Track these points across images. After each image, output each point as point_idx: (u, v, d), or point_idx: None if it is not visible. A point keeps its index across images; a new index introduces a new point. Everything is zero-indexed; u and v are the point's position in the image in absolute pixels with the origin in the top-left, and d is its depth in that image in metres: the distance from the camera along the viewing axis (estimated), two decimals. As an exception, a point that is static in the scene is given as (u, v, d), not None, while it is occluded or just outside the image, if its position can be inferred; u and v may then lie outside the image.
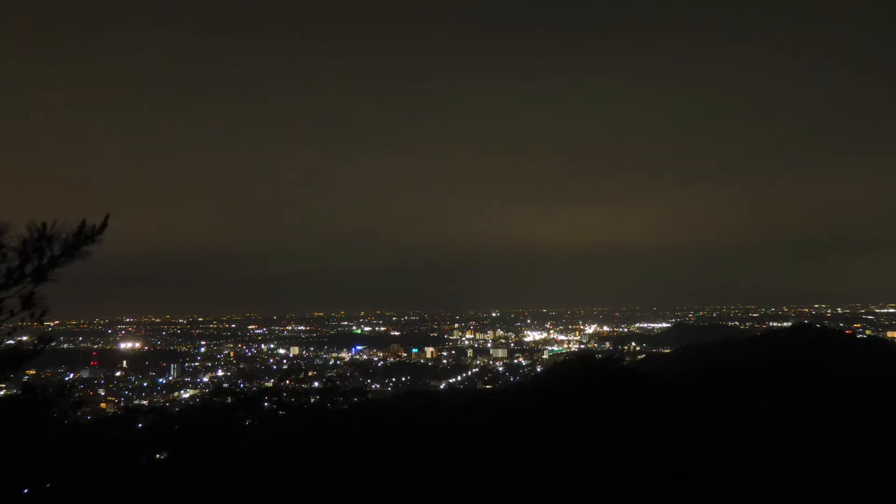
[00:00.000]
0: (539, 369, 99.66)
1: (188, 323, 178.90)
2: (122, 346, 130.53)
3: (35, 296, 5.14)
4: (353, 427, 22.50)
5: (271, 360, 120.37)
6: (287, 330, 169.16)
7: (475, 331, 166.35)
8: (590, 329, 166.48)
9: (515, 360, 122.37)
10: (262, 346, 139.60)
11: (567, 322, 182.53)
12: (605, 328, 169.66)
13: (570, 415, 27.99)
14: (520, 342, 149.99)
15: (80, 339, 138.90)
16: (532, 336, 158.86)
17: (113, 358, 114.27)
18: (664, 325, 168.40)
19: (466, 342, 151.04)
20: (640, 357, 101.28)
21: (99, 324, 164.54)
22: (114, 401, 76.34)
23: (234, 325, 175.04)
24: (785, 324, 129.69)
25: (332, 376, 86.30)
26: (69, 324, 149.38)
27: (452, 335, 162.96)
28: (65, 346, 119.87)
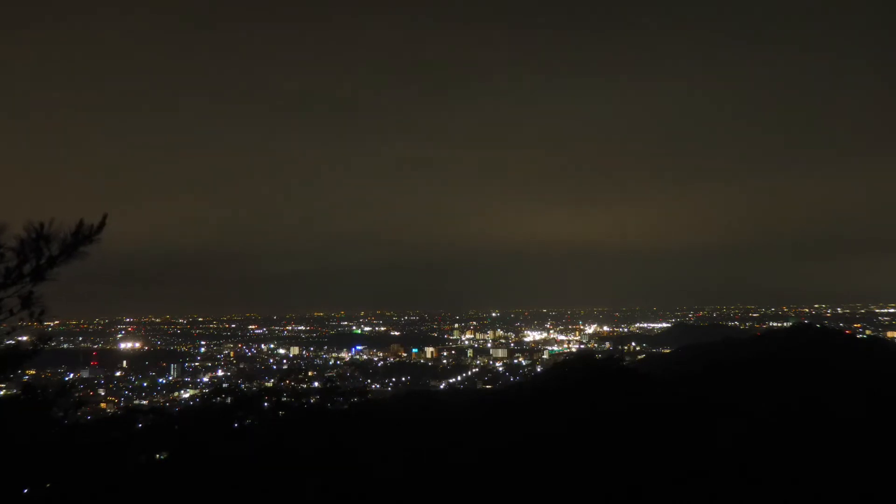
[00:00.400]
0: (539, 369, 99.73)
1: (188, 323, 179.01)
2: (122, 346, 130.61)
3: (34, 295, 5.15)
4: (353, 427, 22.50)
5: (271, 360, 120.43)
6: (287, 330, 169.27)
7: (475, 331, 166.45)
8: (590, 329, 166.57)
9: (515, 360, 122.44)
10: (262, 346, 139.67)
11: (567, 322, 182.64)
12: (605, 328, 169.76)
13: (571, 415, 27.97)
14: (520, 342, 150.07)
15: (80, 339, 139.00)
16: (532, 336, 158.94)
17: (113, 358, 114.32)
18: (664, 325, 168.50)
19: (466, 342, 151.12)
20: (640, 357, 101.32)
21: (99, 324, 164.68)
22: (114, 401, 76.39)
23: (234, 325, 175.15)
24: (785, 324, 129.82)
25: (332, 376, 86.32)
26: (69, 324, 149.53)
27: (452, 335, 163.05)
28: (65, 346, 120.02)
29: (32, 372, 57.17)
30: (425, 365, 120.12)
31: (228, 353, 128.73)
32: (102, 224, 5.16)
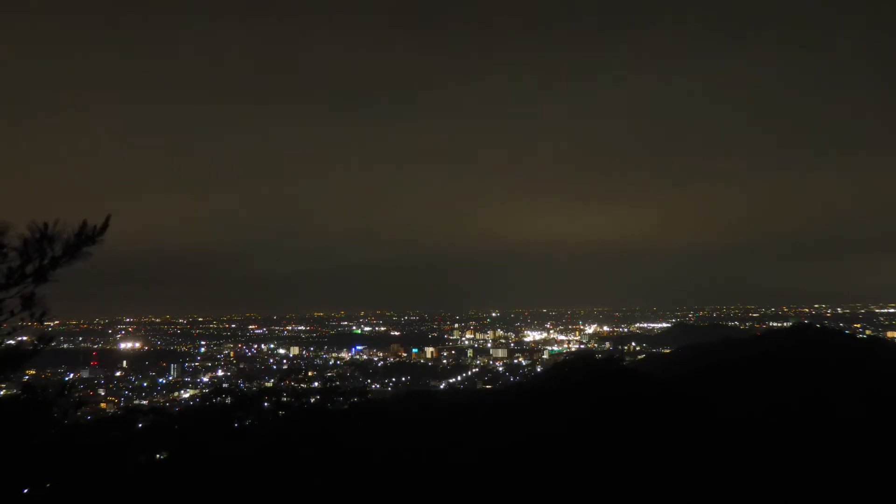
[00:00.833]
0: (539, 369, 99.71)
1: (188, 323, 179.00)
2: (122, 346, 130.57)
3: (35, 296, 5.16)
4: (353, 427, 22.50)
5: (271, 360, 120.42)
6: (287, 330, 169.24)
7: (475, 331, 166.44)
8: (590, 329, 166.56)
9: (515, 360, 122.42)
10: (262, 346, 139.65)
11: (567, 322, 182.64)
12: (605, 328, 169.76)
13: (571, 415, 27.98)
14: (520, 342, 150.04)
15: (80, 339, 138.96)
16: (532, 336, 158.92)
17: (113, 358, 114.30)
18: (664, 325, 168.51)
19: (466, 342, 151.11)
20: (640, 357, 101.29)
21: (99, 324, 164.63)
22: (114, 401, 76.36)
23: (234, 325, 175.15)
24: (785, 324, 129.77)
25: (332, 376, 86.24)
26: (69, 324, 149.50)
27: (452, 335, 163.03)
28: (65, 346, 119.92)
29: (32, 372, 57.15)
30: (425, 365, 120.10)
31: (228, 353, 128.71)
32: (105, 225, 5.17)
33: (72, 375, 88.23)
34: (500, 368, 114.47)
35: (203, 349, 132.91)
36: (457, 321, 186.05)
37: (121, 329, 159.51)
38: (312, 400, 25.69)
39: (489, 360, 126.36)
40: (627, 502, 19.09)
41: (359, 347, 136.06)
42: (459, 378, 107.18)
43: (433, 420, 29.64)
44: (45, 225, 5.00)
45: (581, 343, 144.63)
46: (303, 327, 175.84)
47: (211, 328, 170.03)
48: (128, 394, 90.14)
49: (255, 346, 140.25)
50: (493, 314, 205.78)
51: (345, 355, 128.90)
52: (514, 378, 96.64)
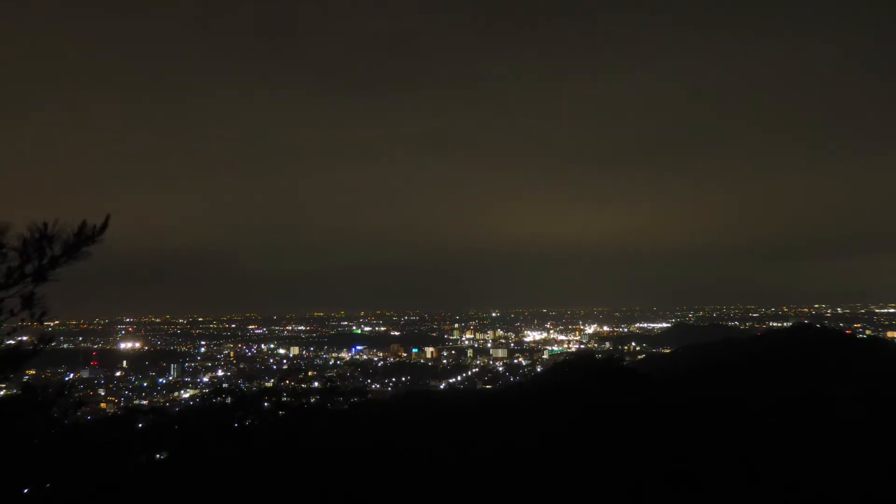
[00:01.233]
0: (539, 369, 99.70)
1: (188, 323, 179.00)
2: (122, 346, 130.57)
3: (35, 296, 5.15)
4: (353, 427, 22.50)
5: (271, 360, 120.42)
6: (287, 330, 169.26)
7: (475, 331, 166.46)
8: (590, 329, 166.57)
9: (515, 360, 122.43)
10: (262, 346, 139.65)
11: (567, 322, 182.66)
12: (605, 328, 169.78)
13: (571, 415, 27.98)
14: (520, 342, 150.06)
15: (80, 339, 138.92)
16: (532, 336, 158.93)
17: (113, 358, 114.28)
18: (664, 325, 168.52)
19: (466, 342, 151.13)
20: (640, 357, 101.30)
21: (99, 324, 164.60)
22: (114, 401, 76.34)
23: (234, 325, 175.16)
24: (785, 324, 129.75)
25: (332, 376, 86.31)
26: (69, 324, 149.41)
27: (452, 335, 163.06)
28: (65, 346, 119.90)
29: (32, 372, 57.19)
30: (425, 365, 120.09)
31: (228, 353, 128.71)
32: (105, 225, 5.17)
33: (72, 375, 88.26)
34: (500, 368, 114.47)
35: (203, 349, 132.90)
36: (457, 321, 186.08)
37: (121, 329, 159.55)
38: (312, 400, 25.73)
39: (489, 360, 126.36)
40: (628, 502, 19.09)
41: (359, 347, 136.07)
42: (459, 378, 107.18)
43: (433, 420, 29.63)
44: (45, 225, 5.00)
45: (581, 343, 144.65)
46: (303, 327, 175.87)
47: (211, 328, 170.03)
48: (128, 394, 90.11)
49: (255, 346, 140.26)
50: (493, 314, 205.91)
51: (345, 355, 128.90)
52: (515, 378, 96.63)
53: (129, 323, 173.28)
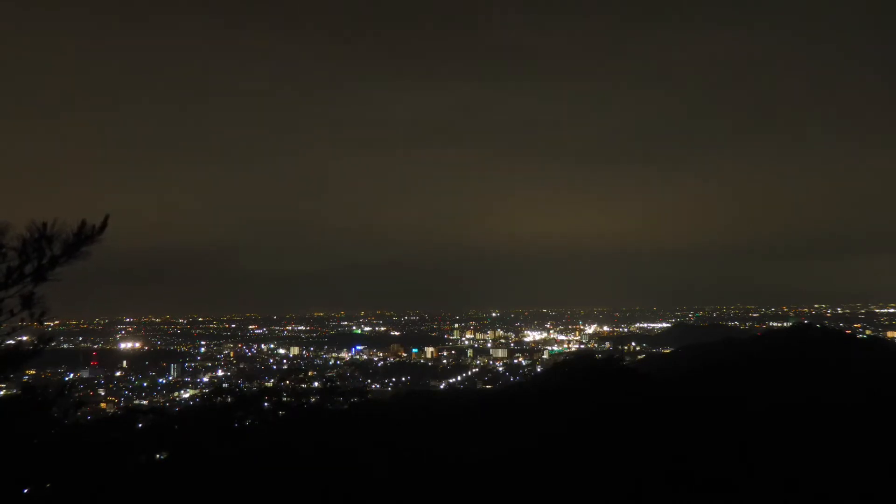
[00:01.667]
0: (539, 369, 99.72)
1: (188, 323, 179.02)
2: (122, 346, 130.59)
3: (35, 296, 5.16)
4: (354, 427, 22.51)
5: (271, 360, 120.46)
6: (287, 330, 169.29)
7: (475, 331, 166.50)
8: (590, 329, 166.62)
9: (515, 360, 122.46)
10: (262, 346, 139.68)
11: (567, 322, 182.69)
12: (605, 328, 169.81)
13: (571, 414, 27.99)
14: (520, 342, 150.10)
15: (80, 339, 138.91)
16: (532, 336, 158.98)
17: (113, 358, 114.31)
18: (664, 325, 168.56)
19: (466, 342, 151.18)
20: (640, 357, 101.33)
21: (99, 324, 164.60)
22: (114, 401, 76.38)
23: (234, 325, 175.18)
24: (785, 324, 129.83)
25: (332, 376, 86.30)
26: (69, 324, 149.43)
27: (452, 335, 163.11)
28: (65, 346, 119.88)
29: (32, 372, 57.19)
30: (425, 365, 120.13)
31: (228, 353, 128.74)
32: (104, 225, 5.17)
33: (72, 375, 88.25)
34: (500, 368, 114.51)
35: (203, 349, 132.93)
36: (457, 321, 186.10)
37: (121, 329, 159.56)
38: (312, 400, 25.77)
39: (489, 360, 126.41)
40: (628, 502, 19.09)
41: (359, 347, 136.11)
42: (459, 378, 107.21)
43: (433, 420, 29.64)
44: (44, 224, 5.01)
45: (581, 343, 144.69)
46: (303, 327, 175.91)
47: (211, 328, 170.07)
48: (128, 394, 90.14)
49: (255, 346, 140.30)
50: (493, 314, 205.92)
51: (345, 355, 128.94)
52: (514, 378, 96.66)
53: (129, 323, 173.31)
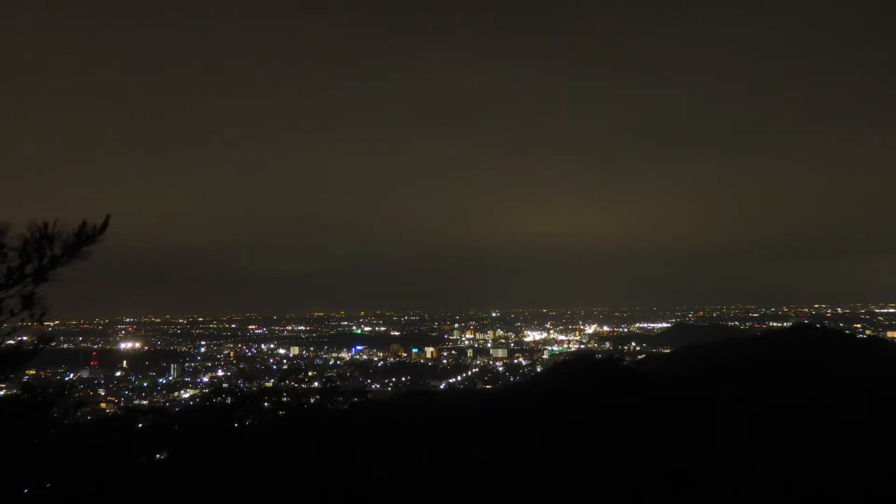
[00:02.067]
0: (539, 369, 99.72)
1: (188, 323, 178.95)
2: (122, 346, 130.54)
3: (35, 296, 5.16)
4: (353, 427, 22.50)
5: (271, 360, 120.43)
6: (287, 330, 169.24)
7: (475, 331, 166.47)
8: (590, 329, 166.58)
9: (515, 360, 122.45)
10: (262, 346, 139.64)
11: (567, 322, 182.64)
12: (605, 328, 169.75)
13: (571, 415, 27.98)
14: (520, 342, 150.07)
15: (80, 339, 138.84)
16: (532, 336, 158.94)
17: (113, 358, 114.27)
18: (664, 325, 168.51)
19: (466, 342, 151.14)
20: (640, 357, 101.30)
21: (99, 324, 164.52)
22: (114, 401, 76.36)
23: (234, 325, 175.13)
24: (785, 324, 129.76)
25: (332, 376, 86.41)
26: (69, 324, 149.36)
27: (452, 335, 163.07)
28: (65, 346, 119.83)
29: (32, 372, 57.16)
30: (425, 365, 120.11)
31: (228, 353, 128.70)
32: (105, 225, 5.17)
33: (72, 375, 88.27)
34: (500, 368, 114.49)
35: (203, 349, 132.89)
36: (457, 321, 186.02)
37: (121, 329, 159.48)
38: (312, 400, 25.78)
39: (489, 360, 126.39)
40: (629, 502, 19.09)
41: (359, 347, 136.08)
42: (459, 378, 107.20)
43: (433, 420, 29.64)
44: (45, 225, 5.01)
45: (581, 343, 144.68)
46: (303, 327, 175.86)
47: (211, 328, 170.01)
48: (128, 394, 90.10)
49: (255, 346, 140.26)
50: (493, 314, 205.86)
51: (345, 355, 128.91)
52: (515, 378, 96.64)
53: (129, 323, 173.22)
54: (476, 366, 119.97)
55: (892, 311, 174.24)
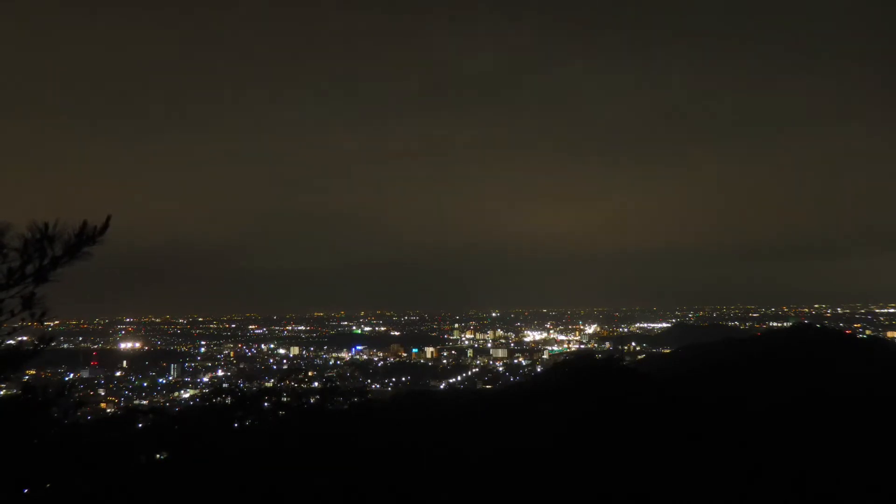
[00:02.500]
0: (539, 369, 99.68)
1: (188, 323, 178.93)
2: (122, 346, 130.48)
3: (36, 296, 5.15)
4: (353, 427, 22.49)
5: (271, 360, 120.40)
6: (287, 330, 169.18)
7: (475, 331, 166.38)
8: (590, 329, 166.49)
9: (515, 360, 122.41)
10: (262, 346, 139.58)
11: (567, 322, 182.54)
12: (605, 328, 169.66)
13: (571, 414, 27.99)
14: (520, 342, 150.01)
15: (80, 339, 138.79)
16: (532, 336, 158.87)
17: (113, 358, 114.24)
18: (664, 325, 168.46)
19: (466, 342, 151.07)
20: (640, 357, 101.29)
21: (99, 324, 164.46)
22: (114, 401, 76.36)
23: (234, 325, 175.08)
24: (785, 324, 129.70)
25: (332, 376, 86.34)
26: (69, 324, 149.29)
27: (452, 335, 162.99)
28: (65, 346, 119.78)
29: (32, 372, 57.07)
30: (425, 365, 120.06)
31: (228, 353, 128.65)
32: (106, 225, 5.16)
33: (72, 375, 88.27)
34: (500, 368, 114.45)
35: (203, 349, 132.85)
36: (457, 321, 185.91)
37: (121, 329, 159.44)
38: (312, 400, 25.74)
39: (489, 360, 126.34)
40: (630, 501, 19.09)
41: (359, 347, 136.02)
42: (459, 378, 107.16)
43: (433, 420, 29.63)
44: (46, 225, 4.99)
45: (581, 343, 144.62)
46: (303, 327, 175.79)
47: (211, 328, 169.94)
48: (128, 394, 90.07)
49: (255, 346, 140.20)
50: (493, 314, 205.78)
51: (345, 355, 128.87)
52: (515, 378, 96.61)
53: (129, 323, 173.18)
54: (476, 366, 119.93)
55: (892, 311, 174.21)
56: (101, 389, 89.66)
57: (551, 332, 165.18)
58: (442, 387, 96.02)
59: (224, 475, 13.63)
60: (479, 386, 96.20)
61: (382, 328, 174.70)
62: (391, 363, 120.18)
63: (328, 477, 14.85)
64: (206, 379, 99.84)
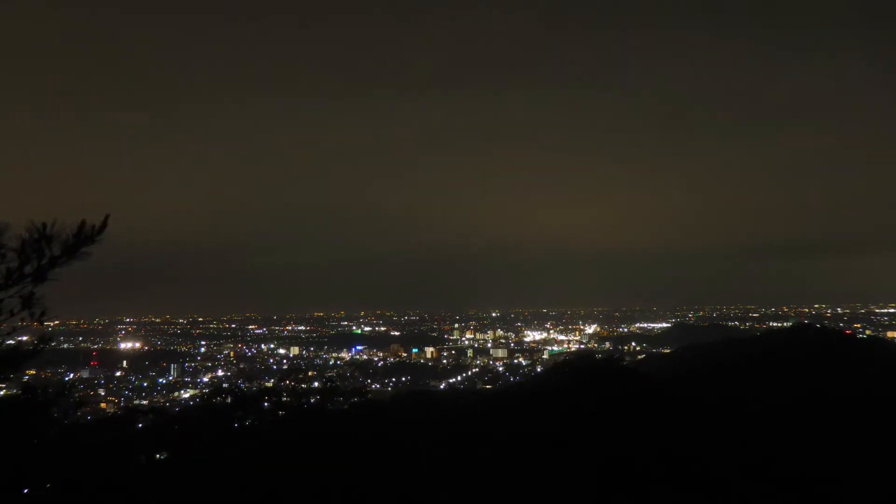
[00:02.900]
0: (539, 369, 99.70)
1: (188, 323, 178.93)
2: (122, 346, 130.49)
3: (35, 296, 5.14)
4: (353, 427, 22.48)
5: (271, 360, 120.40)
6: (287, 330, 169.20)
7: (475, 331, 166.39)
8: (590, 329, 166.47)
9: (515, 360, 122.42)
10: (262, 346, 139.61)
11: (567, 322, 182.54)
12: (605, 328, 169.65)
13: (571, 415, 27.97)
14: (520, 342, 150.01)
15: (80, 339, 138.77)
16: (532, 336, 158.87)
17: (113, 358, 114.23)
18: (664, 325, 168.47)
19: (466, 342, 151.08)
20: (640, 357, 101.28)
21: (99, 324, 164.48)
22: (114, 401, 76.34)
23: (234, 325, 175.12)
24: (785, 324, 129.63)
25: (332, 376, 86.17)
26: (69, 324, 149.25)
27: (452, 335, 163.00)
28: (65, 346, 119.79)
29: (32, 372, 57.09)
30: (425, 365, 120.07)
31: (228, 353, 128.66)
32: (104, 225, 5.16)
33: (72, 375, 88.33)
34: (501, 368, 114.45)
35: (203, 349, 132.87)
36: (457, 321, 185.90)
37: (121, 329, 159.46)
38: (312, 400, 25.70)
39: (489, 360, 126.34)
40: (630, 502, 19.09)
41: (359, 347, 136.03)
42: (459, 378, 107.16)
43: (433, 420, 29.62)
44: (44, 225, 4.99)
45: (581, 343, 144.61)
46: (303, 327, 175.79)
47: (211, 328, 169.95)
48: (128, 394, 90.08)
49: (255, 346, 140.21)
50: (493, 314, 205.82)
51: (345, 355, 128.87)
52: (515, 378, 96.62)
53: (129, 323, 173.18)
54: (476, 366, 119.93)
55: (892, 311, 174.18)
56: (101, 389, 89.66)
57: (551, 332, 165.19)
58: (442, 387, 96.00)
59: (224, 475, 13.64)
60: (479, 386, 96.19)
61: (382, 328, 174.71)
62: (391, 363, 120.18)
63: (328, 477, 14.85)
64: (206, 379, 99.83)
